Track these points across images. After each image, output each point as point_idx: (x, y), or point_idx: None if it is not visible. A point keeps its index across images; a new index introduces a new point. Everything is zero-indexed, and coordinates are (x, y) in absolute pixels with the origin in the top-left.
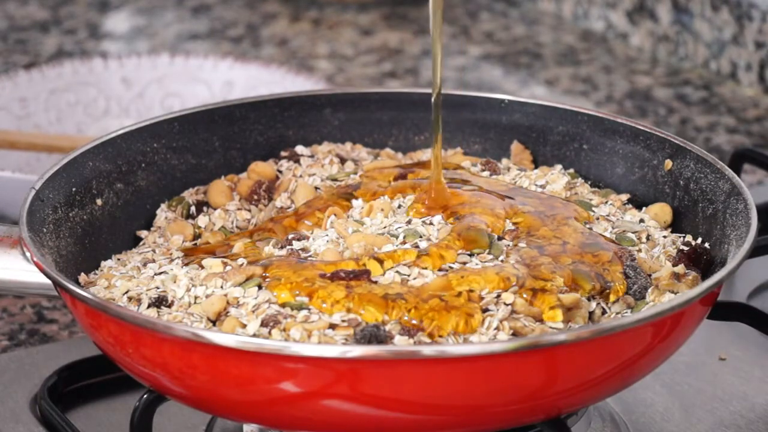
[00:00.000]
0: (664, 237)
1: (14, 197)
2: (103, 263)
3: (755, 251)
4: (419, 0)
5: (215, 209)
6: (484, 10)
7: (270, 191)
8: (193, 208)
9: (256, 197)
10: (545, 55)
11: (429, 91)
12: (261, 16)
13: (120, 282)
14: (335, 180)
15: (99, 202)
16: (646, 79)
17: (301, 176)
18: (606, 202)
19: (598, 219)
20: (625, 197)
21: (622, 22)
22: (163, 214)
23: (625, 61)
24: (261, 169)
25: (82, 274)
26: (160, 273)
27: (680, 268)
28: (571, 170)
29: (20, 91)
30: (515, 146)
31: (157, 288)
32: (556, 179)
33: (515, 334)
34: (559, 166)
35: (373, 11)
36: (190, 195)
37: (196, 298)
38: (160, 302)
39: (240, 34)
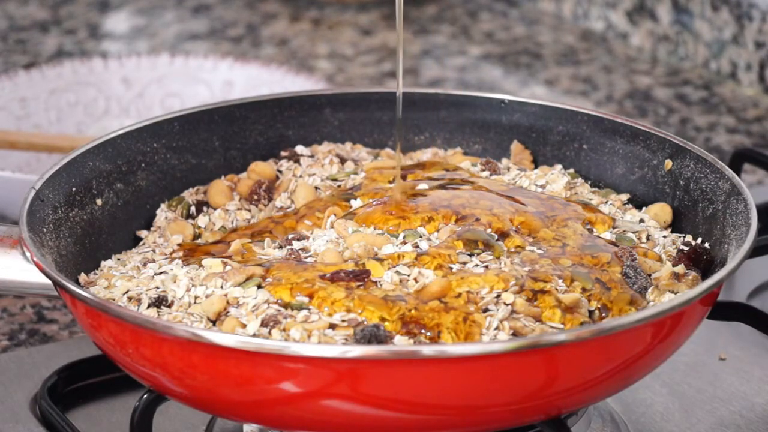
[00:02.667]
0: (664, 237)
1: (14, 197)
2: (103, 263)
3: (755, 251)
4: (419, 0)
5: (215, 209)
6: (484, 10)
7: (270, 191)
8: (193, 208)
9: (256, 197)
10: (545, 55)
11: (430, 90)
12: (261, 16)
13: (120, 282)
14: (335, 180)
15: (99, 202)
16: (646, 79)
17: (301, 176)
18: (606, 202)
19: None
20: (624, 197)
21: (622, 22)
22: (163, 214)
23: (625, 61)
24: (261, 169)
25: (82, 274)
26: (160, 273)
27: (680, 268)
28: (571, 170)
29: (20, 91)
30: (515, 146)
31: (157, 288)
32: (556, 179)
33: (515, 334)
34: (559, 166)
35: (373, 11)
36: (190, 195)
37: (196, 298)
38: (160, 302)
39: (240, 34)
